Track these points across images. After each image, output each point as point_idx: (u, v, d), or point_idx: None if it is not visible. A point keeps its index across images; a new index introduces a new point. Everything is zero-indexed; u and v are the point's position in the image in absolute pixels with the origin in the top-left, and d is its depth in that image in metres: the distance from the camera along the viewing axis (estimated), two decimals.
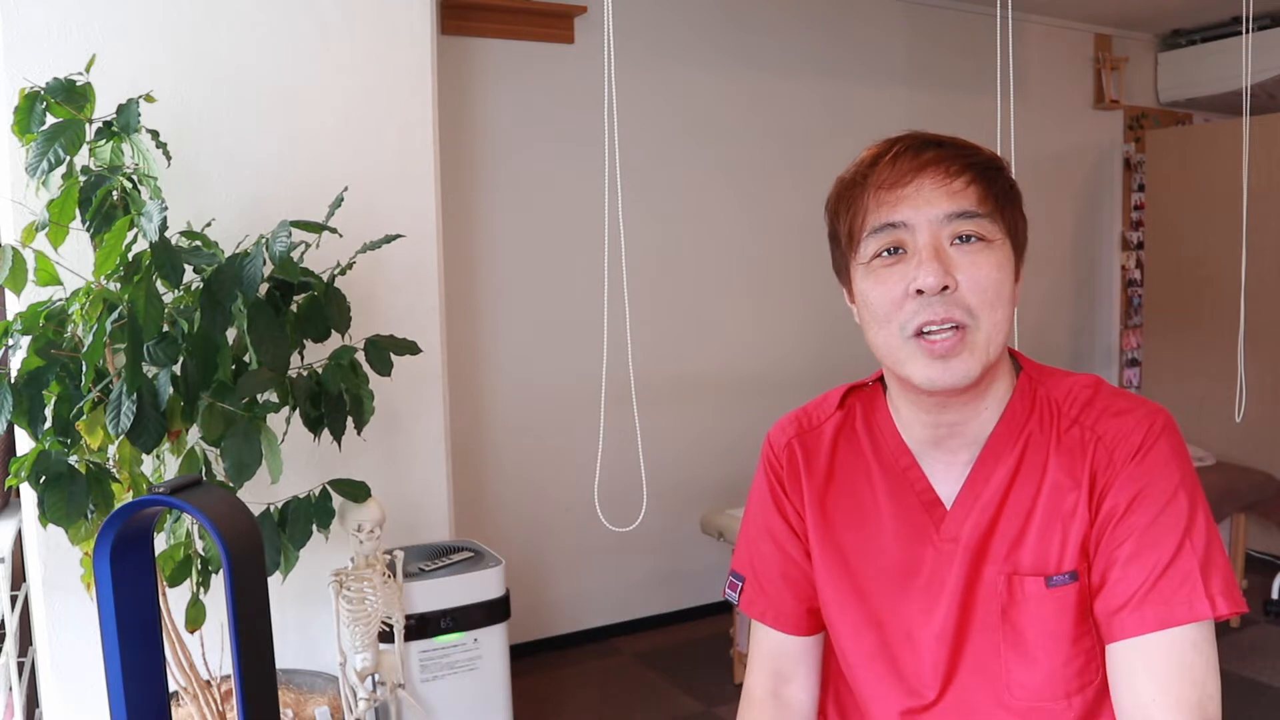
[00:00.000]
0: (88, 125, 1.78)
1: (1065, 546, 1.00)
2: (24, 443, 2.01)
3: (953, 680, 1.04)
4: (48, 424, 1.72)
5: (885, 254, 0.98)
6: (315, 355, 1.98)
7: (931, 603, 1.04)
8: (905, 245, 0.97)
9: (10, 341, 1.77)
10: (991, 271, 0.96)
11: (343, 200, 1.96)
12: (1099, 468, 0.99)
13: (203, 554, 1.92)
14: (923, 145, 0.99)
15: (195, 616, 1.92)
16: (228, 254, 1.79)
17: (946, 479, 1.06)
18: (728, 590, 1.21)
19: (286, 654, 2.29)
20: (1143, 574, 0.95)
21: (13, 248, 1.72)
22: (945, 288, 0.95)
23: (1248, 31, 3.41)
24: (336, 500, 2.00)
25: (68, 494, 1.68)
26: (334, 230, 1.92)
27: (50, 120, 1.77)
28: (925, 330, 0.96)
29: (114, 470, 1.75)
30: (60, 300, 1.79)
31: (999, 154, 1.03)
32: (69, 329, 1.75)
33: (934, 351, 0.96)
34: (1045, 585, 1.00)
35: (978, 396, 1.02)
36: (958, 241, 0.96)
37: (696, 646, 3.58)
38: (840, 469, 1.12)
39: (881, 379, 1.13)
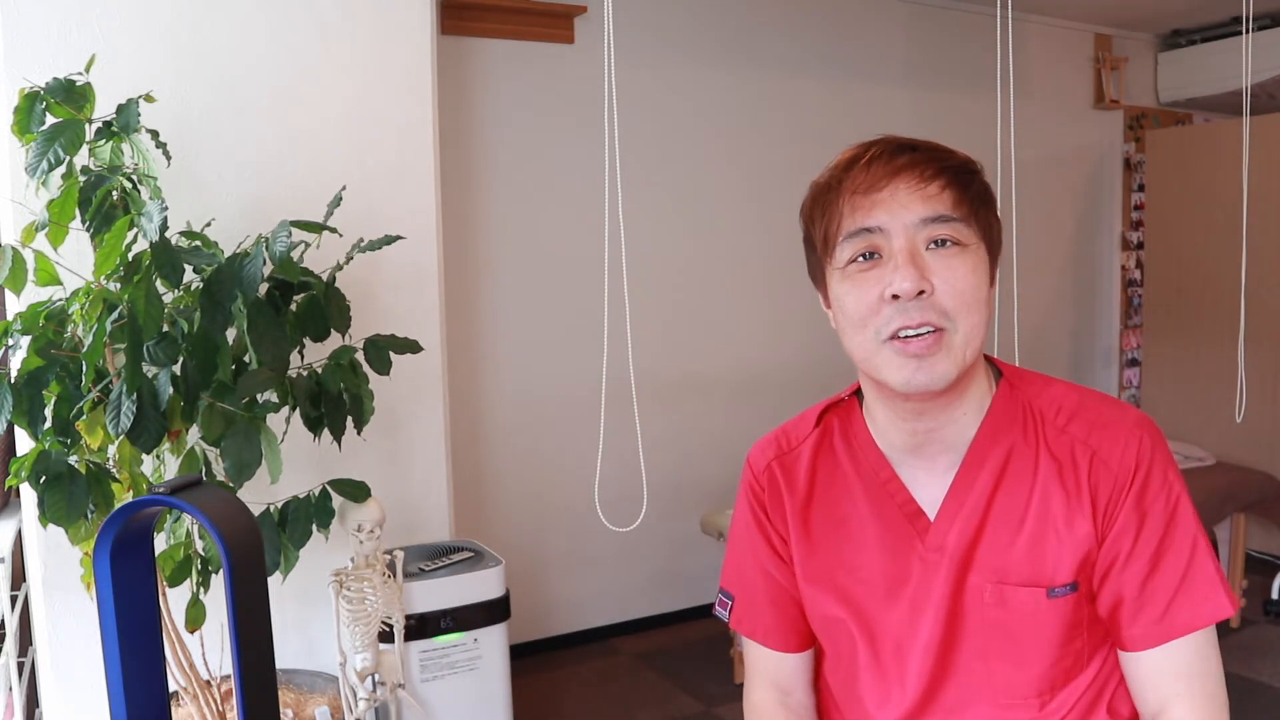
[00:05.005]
0: (88, 125, 1.78)
1: (1063, 557, 1.00)
2: (24, 443, 2.01)
3: (940, 687, 1.05)
4: (48, 424, 1.72)
5: (861, 259, 0.98)
6: (315, 355, 1.98)
7: (918, 613, 1.05)
8: (881, 250, 0.97)
9: (10, 341, 1.77)
10: (968, 275, 0.96)
11: (341, 200, 1.96)
12: (1099, 485, 1.00)
13: (203, 554, 1.92)
14: (897, 150, 0.99)
15: (195, 616, 1.92)
16: (228, 254, 1.78)
17: (928, 487, 1.06)
18: (717, 607, 1.21)
19: (286, 654, 2.29)
20: (1165, 587, 0.98)
21: (13, 248, 1.72)
22: (921, 292, 0.94)
23: (1248, 31, 3.40)
24: (336, 500, 2.00)
25: (68, 494, 1.68)
26: (334, 230, 1.92)
27: (50, 120, 1.77)
28: (901, 334, 0.95)
29: (114, 470, 1.75)
30: (60, 300, 1.79)
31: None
32: (69, 329, 1.75)
33: (909, 351, 0.95)
34: (1047, 596, 1.00)
35: (955, 401, 1.02)
36: (933, 246, 0.96)
37: (696, 646, 3.58)
38: (820, 487, 1.12)
39: (857, 392, 1.13)
